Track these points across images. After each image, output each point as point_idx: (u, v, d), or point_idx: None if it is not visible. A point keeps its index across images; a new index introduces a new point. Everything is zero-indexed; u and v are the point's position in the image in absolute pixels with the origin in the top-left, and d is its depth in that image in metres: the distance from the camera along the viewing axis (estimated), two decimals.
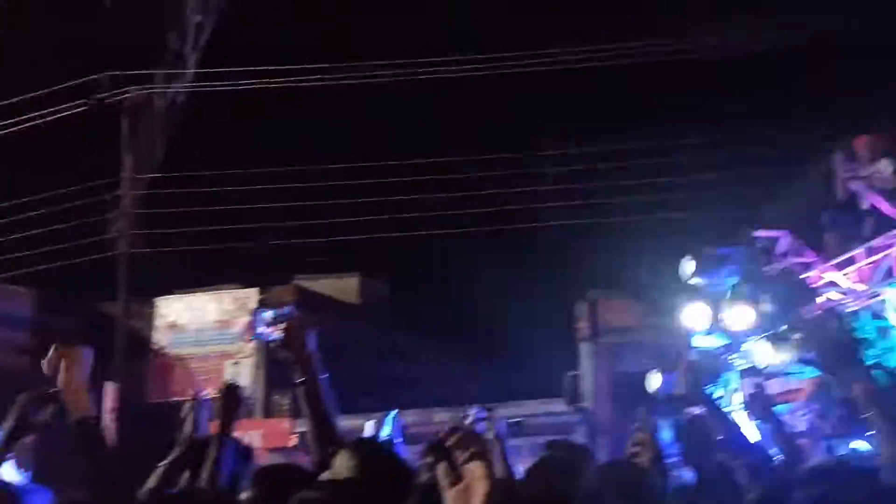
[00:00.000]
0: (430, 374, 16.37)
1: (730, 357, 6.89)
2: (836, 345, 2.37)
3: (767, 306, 5.99)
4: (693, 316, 6.86)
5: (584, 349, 15.71)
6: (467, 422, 3.83)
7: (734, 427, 2.85)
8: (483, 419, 3.91)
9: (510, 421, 4.36)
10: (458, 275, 17.94)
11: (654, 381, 7.31)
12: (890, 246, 6.62)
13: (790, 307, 5.98)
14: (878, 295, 6.66)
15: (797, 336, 5.63)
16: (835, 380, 2.41)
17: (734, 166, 13.99)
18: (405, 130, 18.96)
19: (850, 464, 2.01)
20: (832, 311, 5.98)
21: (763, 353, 5.93)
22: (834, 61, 13.70)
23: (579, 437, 12.62)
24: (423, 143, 17.44)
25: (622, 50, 14.30)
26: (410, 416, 7.13)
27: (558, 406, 14.76)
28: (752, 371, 6.33)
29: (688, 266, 6.69)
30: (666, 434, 4.11)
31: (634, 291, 14.39)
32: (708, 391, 3.03)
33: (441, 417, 10.34)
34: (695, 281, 6.62)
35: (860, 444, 5.70)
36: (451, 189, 15.48)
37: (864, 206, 7.46)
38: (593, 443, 12.69)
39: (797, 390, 6.19)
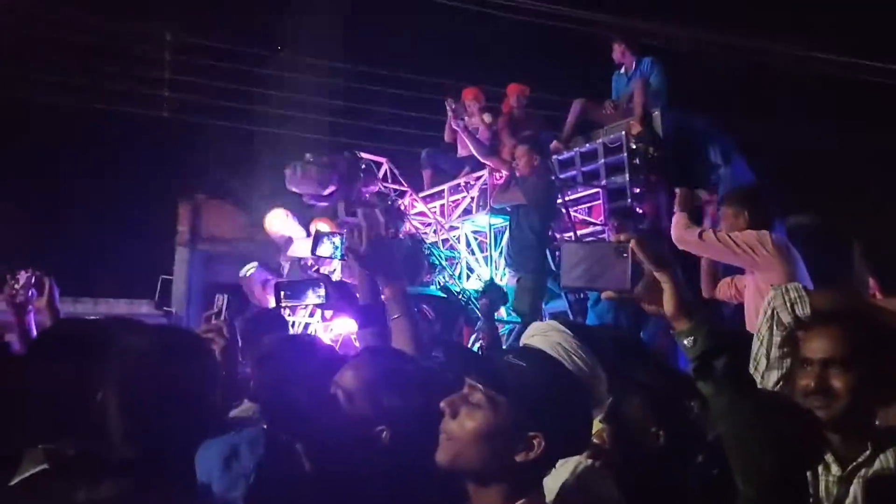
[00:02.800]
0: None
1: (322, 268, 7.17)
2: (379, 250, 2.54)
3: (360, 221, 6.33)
4: (276, 221, 7.05)
5: (182, 254, 15.19)
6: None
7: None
8: None
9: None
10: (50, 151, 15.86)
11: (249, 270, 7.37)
12: (470, 187, 7.42)
13: (379, 226, 6.39)
14: (455, 228, 7.45)
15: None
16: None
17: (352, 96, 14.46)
18: None
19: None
20: (411, 236, 6.52)
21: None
22: None
23: None
24: None
25: None
26: None
27: (145, 308, 14.17)
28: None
29: (291, 174, 6.75)
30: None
31: (241, 200, 14.21)
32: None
33: None
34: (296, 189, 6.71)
35: None
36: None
37: (462, 150, 8.26)
38: None
39: None
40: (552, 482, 1.70)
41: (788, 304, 2.26)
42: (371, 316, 2.53)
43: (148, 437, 1.68)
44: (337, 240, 2.73)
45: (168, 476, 1.69)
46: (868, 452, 2.02)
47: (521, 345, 1.73)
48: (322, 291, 2.66)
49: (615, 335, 2.55)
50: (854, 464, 2.03)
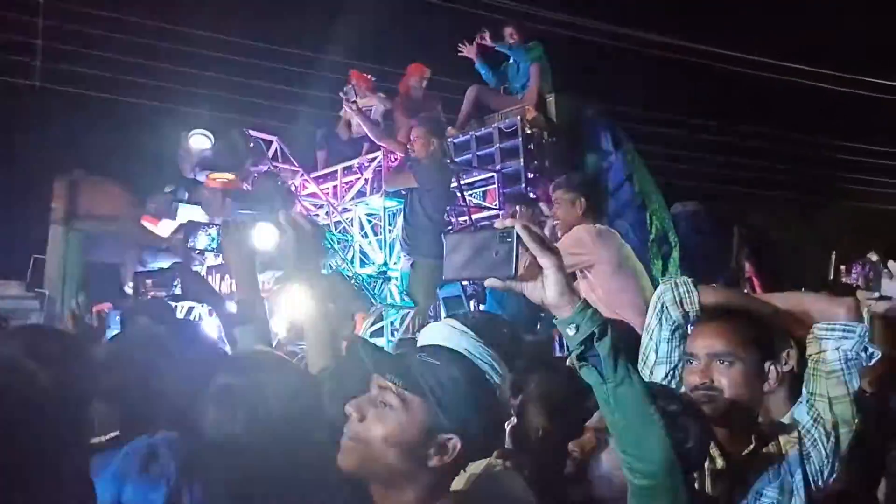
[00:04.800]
0: None
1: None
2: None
3: (248, 201, 6.07)
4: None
5: (56, 233, 14.33)
6: None
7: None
8: None
9: None
10: None
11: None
12: (364, 169, 7.27)
13: (269, 207, 6.15)
14: (348, 211, 7.29)
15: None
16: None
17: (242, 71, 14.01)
18: None
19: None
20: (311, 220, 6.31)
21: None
22: None
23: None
24: None
25: None
26: None
27: (14, 290, 13.31)
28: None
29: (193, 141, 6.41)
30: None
31: (123, 177, 13.51)
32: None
33: None
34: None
35: None
36: None
37: (354, 130, 8.08)
38: None
39: None
40: (461, 484, 1.63)
41: (677, 299, 2.25)
42: (248, 312, 2.39)
43: (24, 453, 1.55)
44: (213, 231, 2.57)
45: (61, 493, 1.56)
46: (752, 446, 2.05)
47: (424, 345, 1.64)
48: (178, 282, 2.51)
49: (514, 332, 2.51)
50: (738, 457, 2.05)
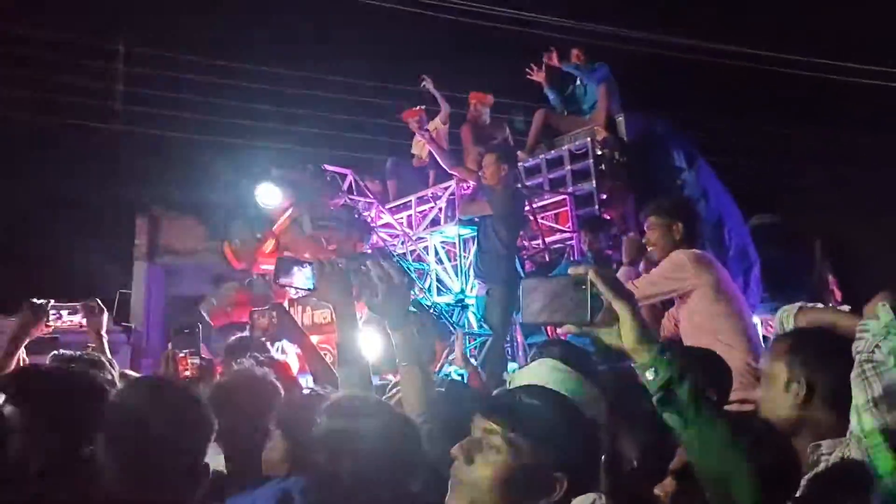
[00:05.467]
0: None
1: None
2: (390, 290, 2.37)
3: (327, 235, 6.18)
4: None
5: (140, 268, 14.85)
6: None
7: None
8: None
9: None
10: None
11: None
12: (438, 198, 7.34)
13: (349, 240, 6.27)
14: (423, 239, 7.37)
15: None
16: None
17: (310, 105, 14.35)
18: None
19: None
20: (382, 252, 6.43)
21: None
22: None
23: (123, 358, 11.99)
24: None
25: None
26: None
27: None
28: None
29: (264, 190, 6.59)
30: None
31: (200, 212, 13.95)
32: None
33: None
34: (267, 204, 6.53)
35: None
36: None
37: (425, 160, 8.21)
38: (138, 364, 12.18)
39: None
40: None
41: (778, 326, 2.38)
42: (349, 353, 2.43)
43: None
44: (307, 270, 2.58)
45: None
46: (810, 459, 2.01)
47: (516, 385, 1.67)
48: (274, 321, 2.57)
49: (607, 364, 2.51)
50: (804, 471, 2.00)
